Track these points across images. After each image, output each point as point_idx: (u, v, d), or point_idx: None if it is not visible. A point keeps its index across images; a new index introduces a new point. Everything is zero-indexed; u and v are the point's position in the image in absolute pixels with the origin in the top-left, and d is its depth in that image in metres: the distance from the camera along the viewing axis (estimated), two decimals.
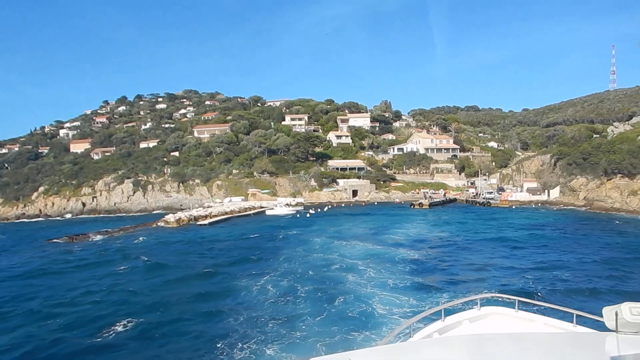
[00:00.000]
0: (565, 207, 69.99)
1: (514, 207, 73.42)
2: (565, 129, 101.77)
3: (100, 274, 29.95)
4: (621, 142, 73.29)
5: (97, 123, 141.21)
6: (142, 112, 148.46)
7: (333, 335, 17.17)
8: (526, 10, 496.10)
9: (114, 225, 60.55)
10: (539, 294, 21.23)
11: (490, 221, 55.23)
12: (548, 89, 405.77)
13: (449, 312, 6.14)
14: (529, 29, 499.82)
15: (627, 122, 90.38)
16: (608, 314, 4.14)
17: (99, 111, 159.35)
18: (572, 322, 5.68)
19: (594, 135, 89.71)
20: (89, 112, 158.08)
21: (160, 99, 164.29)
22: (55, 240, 48.70)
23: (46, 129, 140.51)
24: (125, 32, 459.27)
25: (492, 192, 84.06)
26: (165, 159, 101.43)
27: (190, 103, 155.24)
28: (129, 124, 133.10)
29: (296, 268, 29.25)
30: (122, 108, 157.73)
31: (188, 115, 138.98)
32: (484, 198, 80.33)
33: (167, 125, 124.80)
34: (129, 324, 19.38)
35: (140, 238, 47.56)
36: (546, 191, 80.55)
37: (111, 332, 18.61)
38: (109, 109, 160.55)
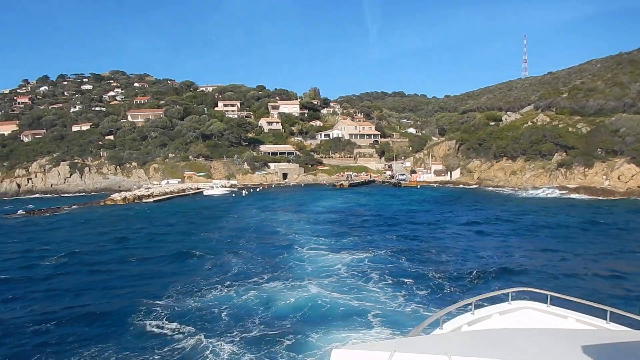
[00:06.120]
0: (459, 186, 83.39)
1: (419, 186, 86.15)
2: (477, 115, 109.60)
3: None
4: (509, 129, 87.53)
5: (19, 103, 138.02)
6: (66, 93, 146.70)
7: (275, 252, 26.97)
8: None
9: (55, 203, 65.21)
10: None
11: (394, 197, 66.98)
12: (469, 77, 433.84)
13: (479, 305, 6.06)
14: (453, 17, 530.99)
15: (518, 111, 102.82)
16: None
17: (18, 90, 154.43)
18: (605, 319, 5.50)
19: (491, 123, 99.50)
20: (6, 91, 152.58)
21: (85, 80, 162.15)
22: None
23: None
24: (42, 5, 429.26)
25: (404, 174, 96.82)
26: (100, 142, 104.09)
27: (118, 84, 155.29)
28: (55, 106, 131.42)
29: (240, 226, 38.24)
30: (44, 88, 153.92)
31: (118, 98, 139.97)
32: (396, 179, 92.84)
33: (98, 109, 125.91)
34: None
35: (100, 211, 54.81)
36: (449, 173, 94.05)
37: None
38: (29, 88, 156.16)
